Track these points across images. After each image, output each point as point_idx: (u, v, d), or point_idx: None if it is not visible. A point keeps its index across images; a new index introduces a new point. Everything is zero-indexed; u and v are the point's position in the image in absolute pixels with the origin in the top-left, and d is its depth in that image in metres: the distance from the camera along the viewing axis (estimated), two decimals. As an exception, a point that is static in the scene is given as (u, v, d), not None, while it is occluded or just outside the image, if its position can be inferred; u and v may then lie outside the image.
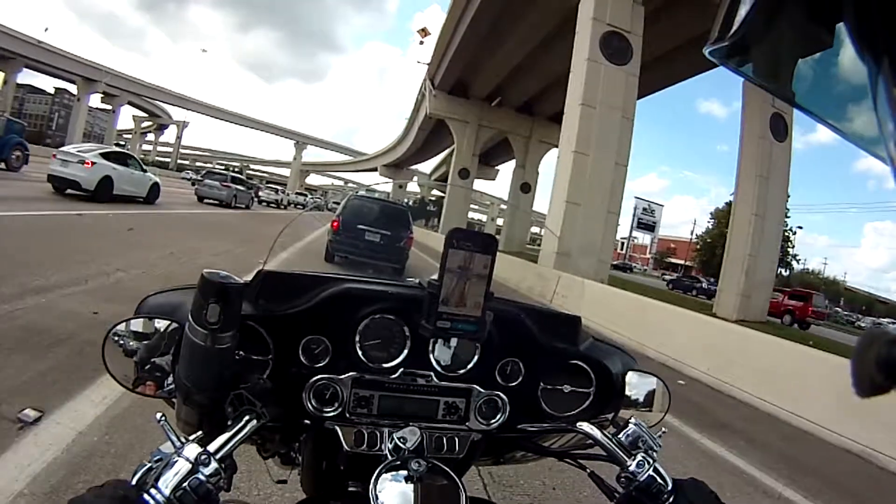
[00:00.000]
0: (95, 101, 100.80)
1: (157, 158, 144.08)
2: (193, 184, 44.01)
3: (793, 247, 73.43)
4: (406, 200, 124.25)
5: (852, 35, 0.42)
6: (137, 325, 1.17)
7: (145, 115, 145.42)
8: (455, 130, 61.74)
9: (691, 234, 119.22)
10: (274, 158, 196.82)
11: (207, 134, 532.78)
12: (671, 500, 1.06)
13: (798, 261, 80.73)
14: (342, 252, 16.72)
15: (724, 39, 0.50)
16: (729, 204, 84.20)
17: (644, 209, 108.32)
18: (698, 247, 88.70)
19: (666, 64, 38.20)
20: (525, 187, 63.68)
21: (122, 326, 1.16)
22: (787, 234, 61.88)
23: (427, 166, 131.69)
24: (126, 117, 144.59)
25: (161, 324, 1.16)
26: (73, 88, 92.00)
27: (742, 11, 0.48)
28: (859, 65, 0.42)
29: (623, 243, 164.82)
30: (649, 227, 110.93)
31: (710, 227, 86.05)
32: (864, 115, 0.46)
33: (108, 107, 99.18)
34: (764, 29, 0.49)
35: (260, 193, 53.96)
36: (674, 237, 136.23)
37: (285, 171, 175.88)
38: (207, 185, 37.02)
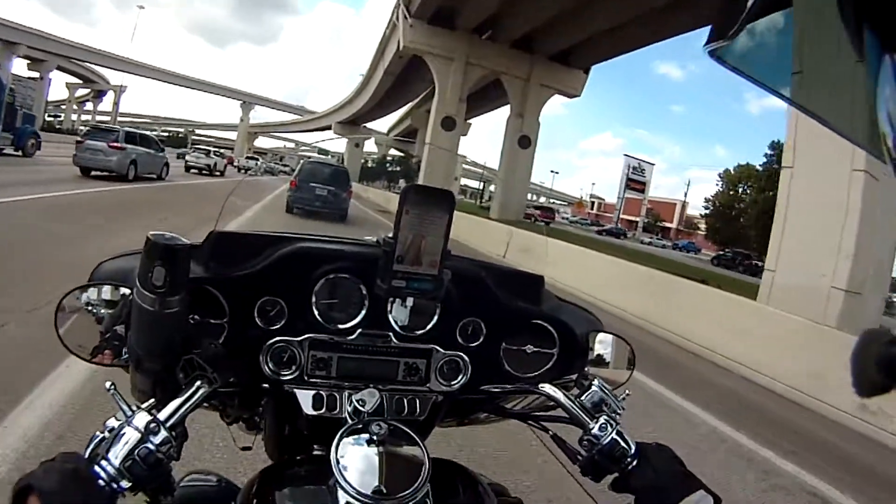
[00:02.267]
0: (21, 68, 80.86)
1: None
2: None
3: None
4: (364, 160, 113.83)
5: (852, 35, 0.41)
6: (92, 293, 1.09)
7: (80, 81, 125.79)
8: (436, 69, 48.97)
9: (685, 196, 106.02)
10: (220, 122, 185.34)
11: (149, 99, 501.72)
12: (634, 463, 1.04)
13: None
14: (299, 204, 21.66)
15: (723, 38, 0.49)
16: (745, 165, 69.24)
17: (634, 168, 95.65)
18: (707, 212, 78.21)
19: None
20: (524, 141, 51.20)
21: (75, 294, 1.08)
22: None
23: (384, 123, 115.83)
24: (60, 86, 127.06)
25: (116, 291, 1.09)
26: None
27: (741, 11, 0.47)
28: (859, 64, 0.41)
29: (594, 202, 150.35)
30: (639, 187, 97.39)
31: (720, 189, 75.81)
32: (862, 114, 0.45)
33: (36, 74, 79.36)
34: (763, 29, 0.48)
35: (186, 158, 45.32)
36: (662, 198, 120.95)
37: (233, 135, 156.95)
38: (90, 150, 23.38)
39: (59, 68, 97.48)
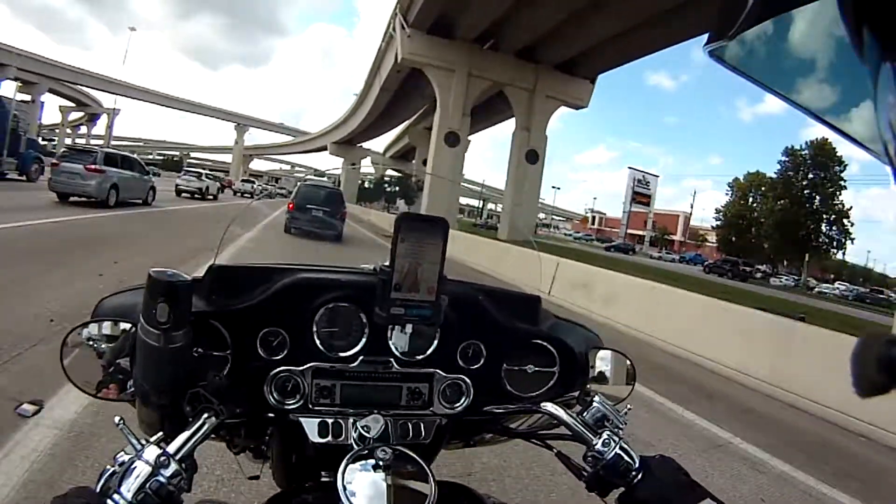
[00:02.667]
0: (11, 91, 76.34)
1: None
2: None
3: None
4: (362, 181, 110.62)
5: (852, 35, 0.41)
6: (95, 328, 1.10)
7: (73, 104, 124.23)
8: (437, 82, 46.28)
9: (691, 207, 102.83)
10: (215, 145, 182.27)
11: (143, 123, 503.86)
12: (639, 476, 1.03)
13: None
14: (296, 225, 21.62)
15: (723, 39, 0.49)
16: (755, 173, 66.31)
17: (639, 181, 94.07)
18: (718, 224, 74.65)
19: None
20: (532, 156, 48.84)
21: (79, 331, 1.09)
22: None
23: (381, 143, 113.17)
24: (53, 109, 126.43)
25: (118, 326, 1.09)
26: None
27: (741, 11, 0.47)
28: (859, 65, 0.41)
29: (595, 217, 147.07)
30: (645, 200, 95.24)
31: (730, 199, 72.85)
32: (863, 115, 0.45)
33: (27, 97, 75.97)
34: (763, 29, 0.47)
35: (176, 181, 41.90)
36: (664, 210, 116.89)
37: (228, 158, 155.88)
38: (66, 174, 20.78)
39: (52, 91, 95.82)
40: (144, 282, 1.01)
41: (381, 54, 56.71)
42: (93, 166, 20.71)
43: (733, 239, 69.31)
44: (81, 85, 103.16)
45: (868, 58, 0.40)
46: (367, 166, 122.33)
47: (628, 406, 1.23)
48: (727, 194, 71.93)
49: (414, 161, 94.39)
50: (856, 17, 0.39)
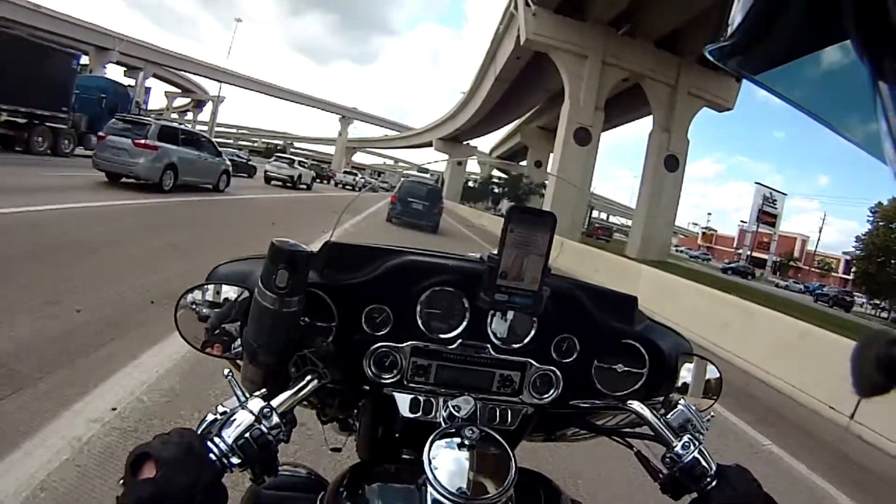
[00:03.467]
0: (118, 75, 77.01)
1: None
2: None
3: None
4: (466, 180, 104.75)
5: (852, 35, 0.41)
6: (209, 291, 1.16)
7: (178, 90, 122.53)
8: (567, 69, 39.45)
9: (819, 231, 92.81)
10: (319, 136, 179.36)
11: (248, 111, 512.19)
12: (714, 483, 1.02)
13: None
14: (397, 215, 23.41)
15: (724, 39, 0.49)
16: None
17: (765, 197, 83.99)
18: (859, 253, 62.29)
19: None
20: (671, 162, 41.95)
21: (194, 293, 1.16)
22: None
23: (487, 143, 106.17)
24: (159, 95, 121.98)
25: (230, 291, 1.16)
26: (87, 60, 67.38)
27: (741, 11, 0.47)
28: (860, 65, 0.40)
29: (705, 233, 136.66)
30: (771, 220, 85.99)
31: (873, 227, 60.83)
32: (864, 117, 0.44)
33: (132, 81, 71.83)
34: (763, 29, 0.47)
35: (266, 167, 37.47)
36: (784, 232, 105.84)
37: (331, 150, 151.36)
38: (112, 149, 16.90)
39: (156, 76, 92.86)
40: (252, 254, 1.22)
41: (498, 39, 50.23)
42: (143, 141, 16.59)
43: (871, 272, 58.95)
44: (185, 71, 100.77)
45: (868, 56, 0.40)
46: (472, 165, 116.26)
47: (711, 414, 1.21)
48: (868, 221, 61.49)
49: (525, 162, 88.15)
50: (855, 17, 0.39)
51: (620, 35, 39.13)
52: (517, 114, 74.05)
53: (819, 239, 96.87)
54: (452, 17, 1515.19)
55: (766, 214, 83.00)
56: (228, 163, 22.81)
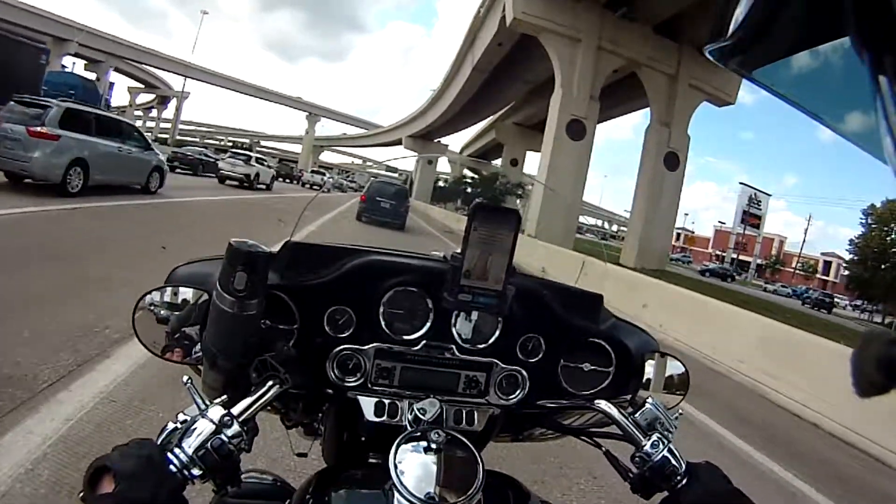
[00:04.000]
0: (80, 69, 73.30)
1: (159, 136, 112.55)
2: None
3: None
4: (437, 180, 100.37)
5: (852, 34, 0.40)
6: (167, 294, 1.14)
7: (141, 86, 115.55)
8: (558, 54, 35.00)
9: (805, 233, 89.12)
10: (286, 134, 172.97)
11: (214, 109, 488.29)
12: (684, 481, 1.03)
13: None
14: (367, 214, 24.31)
15: (723, 38, 0.48)
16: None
17: (750, 198, 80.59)
18: (853, 259, 60.34)
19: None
20: (671, 160, 37.70)
21: (152, 295, 1.13)
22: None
23: (459, 140, 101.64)
24: (121, 90, 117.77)
25: (190, 293, 1.13)
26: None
27: (740, 10, 0.47)
28: (859, 64, 0.40)
29: (681, 235, 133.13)
30: (755, 222, 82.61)
31: (866, 230, 58.87)
32: (864, 115, 0.44)
33: (94, 75, 70.15)
34: (762, 28, 0.47)
35: (220, 165, 33.31)
36: (755, 233, 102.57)
37: (298, 148, 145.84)
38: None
39: (118, 70, 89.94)
40: (214, 255, 1.14)
41: (478, 23, 45.03)
42: (39, 129, 12.63)
43: (866, 277, 55.18)
44: (147, 65, 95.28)
45: (868, 54, 0.39)
46: (443, 165, 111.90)
47: (680, 411, 1.22)
48: (861, 223, 58.25)
49: (499, 161, 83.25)
50: (855, 13, 0.39)
51: (617, 18, 34.70)
52: (493, 109, 69.54)
53: (804, 241, 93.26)
54: (424, 14, 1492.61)
55: (751, 216, 79.99)
56: (162, 157, 18.61)
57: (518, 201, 67.02)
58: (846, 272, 64.35)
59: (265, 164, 35.92)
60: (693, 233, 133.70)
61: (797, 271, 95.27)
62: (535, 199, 36.06)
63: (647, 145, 37.55)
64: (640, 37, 35.30)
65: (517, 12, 32.82)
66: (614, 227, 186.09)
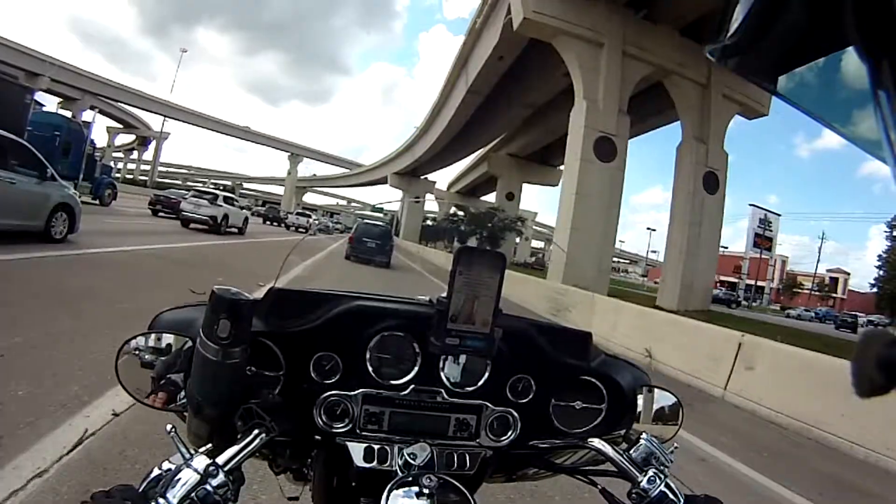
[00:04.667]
0: (52, 106, 66.56)
1: (138, 178, 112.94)
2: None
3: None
4: (424, 218, 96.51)
5: (852, 34, 0.40)
6: (151, 339, 1.11)
7: (120, 126, 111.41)
8: (578, 61, 29.35)
9: (818, 253, 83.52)
10: (268, 175, 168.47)
11: (194, 152, 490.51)
12: None
13: None
14: (355, 254, 25.34)
15: (723, 39, 0.48)
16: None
17: (761, 220, 74.39)
18: (885, 276, 53.27)
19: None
20: (710, 181, 31.68)
21: (136, 341, 1.10)
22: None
23: (446, 177, 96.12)
24: (100, 130, 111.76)
25: (174, 339, 1.11)
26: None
27: (741, 11, 0.46)
28: (860, 65, 0.40)
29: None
30: (766, 244, 76.34)
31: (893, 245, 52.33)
32: (865, 116, 0.44)
33: (68, 113, 61.04)
34: (763, 29, 0.46)
35: (182, 205, 27.67)
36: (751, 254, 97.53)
37: (281, 190, 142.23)
38: None
39: (94, 108, 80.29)
40: (201, 299, 1.09)
41: (474, 37, 39.61)
42: None
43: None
44: (125, 103, 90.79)
45: (868, 55, 0.39)
46: (431, 204, 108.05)
47: (675, 445, 1.21)
48: (886, 237, 53.04)
49: (494, 195, 76.50)
50: (855, 14, 0.39)
51: (639, 20, 29.35)
52: (484, 140, 63.59)
53: (819, 260, 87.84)
54: (404, 56, 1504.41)
55: (762, 238, 74.42)
56: (72, 192, 14.18)
57: (518, 238, 63.74)
58: (875, 289, 58.74)
59: (236, 203, 30.66)
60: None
61: (812, 292, 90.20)
62: (559, 237, 29.98)
63: (681, 165, 31.79)
64: (666, 41, 29.99)
65: (528, 11, 27.25)
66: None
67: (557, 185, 74.47)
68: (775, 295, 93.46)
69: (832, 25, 0.41)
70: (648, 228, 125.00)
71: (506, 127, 55.18)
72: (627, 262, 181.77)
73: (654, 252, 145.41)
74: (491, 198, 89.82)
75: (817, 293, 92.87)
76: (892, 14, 0.36)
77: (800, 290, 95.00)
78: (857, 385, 0.46)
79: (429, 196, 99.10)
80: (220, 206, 27.23)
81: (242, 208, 31.82)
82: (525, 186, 71.74)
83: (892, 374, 0.43)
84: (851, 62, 0.41)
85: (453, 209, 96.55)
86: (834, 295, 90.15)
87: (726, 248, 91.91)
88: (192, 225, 25.90)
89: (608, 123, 28.12)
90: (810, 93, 0.50)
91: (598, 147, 27.74)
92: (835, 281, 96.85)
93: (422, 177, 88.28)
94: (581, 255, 27.08)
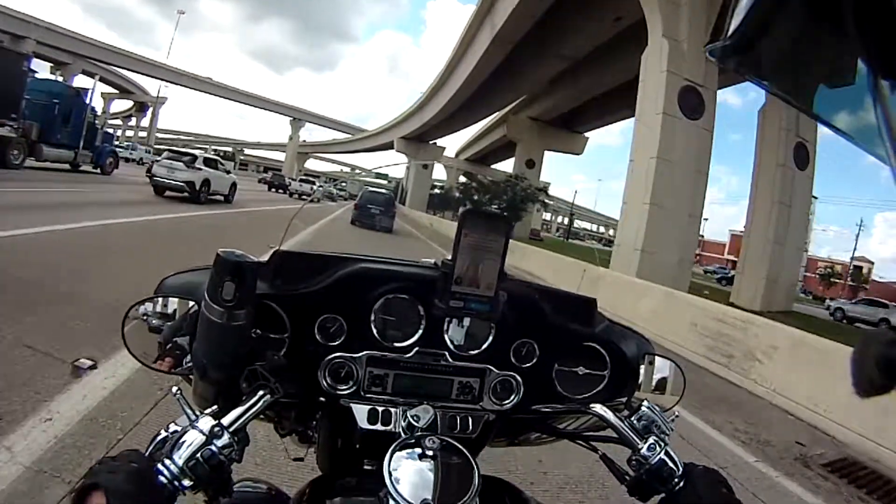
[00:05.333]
0: (44, 72, 62.19)
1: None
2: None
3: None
4: (433, 188, 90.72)
5: (852, 34, 0.39)
6: (157, 304, 1.12)
7: (116, 91, 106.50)
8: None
9: (856, 238, 77.54)
10: (269, 141, 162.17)
11: (196, 117, 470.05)
12: (681, 484, 1.01)
13: None
14: (359, 219, 26.50)
15: (724, 38, 0.47)
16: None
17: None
18: None
19: None
20: (801, 154, 25.61)
21: (143, 306, 1.11)
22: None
23: (455, 142, 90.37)
24: (97, 97, 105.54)
25: (179, 303, 1.12)
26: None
27: (741, 11, 0.46)
28: (859, 64, 0.40)
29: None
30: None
31: None
32: (864, 115, 0.43)
33: (59, 79, 54.68)
34: (763, 28, 0.46)
35: (154, 169, 23.31)
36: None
37: (283, 156, 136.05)
38: None
39: (89, 74, 74.57)
40: (203, 265, 1.09)
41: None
42: None
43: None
44: (117, 66, 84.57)
45: (868, 55, 0.39)
46: (438, 172, 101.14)
47: (676, 413, 1.21)
48: None
49: (513, 162, 68.74)
50: (855, 14, 0.38)
51: None
52: (505, 101, 56.21)
53: (855, 248, 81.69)
54: (410, 24, 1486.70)
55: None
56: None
57: (539, 210, 59.40)
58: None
59: (220, 166, 25.38)
60: (703, 237, 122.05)
61: (848, 283, 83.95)
62: (631, 214, 22.54)
63: (765, 131, 25.30)
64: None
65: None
66: (610, 232, 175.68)
67: (581, 153, 68.69)
68: (806, 284, 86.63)
69: (832, 25, 0.40)
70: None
71: (531, 85, 48.45)
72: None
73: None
74: (502, 166, 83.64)
75: (852, 284, 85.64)
76: (892, 13, 0.36)
77: (837, 280, 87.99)
78: (858, 385, 0.45)
79: (437, 164, 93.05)
80: (199, 169, 22.52)
81: (228, 172, 26.84)
82: (546, 155, 64.62)
83: (892, 373, 0.43)
84: (851, 61, 0.41)
85: (464, 178, 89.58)
86: (854, 284, 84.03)
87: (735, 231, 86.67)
88: (167, 193, 21.51)
89: (694, 70, 21.30)
90: (810, 92, 0.49)
91: (682, 99, 21.06)
92: (858, 269, 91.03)
93: (430, 142, 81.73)
94: (661, 239, 20.73)
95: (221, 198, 24.83)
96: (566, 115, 57.53)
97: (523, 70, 42.33)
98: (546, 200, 59.31)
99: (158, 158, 23.84)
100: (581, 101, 49.85)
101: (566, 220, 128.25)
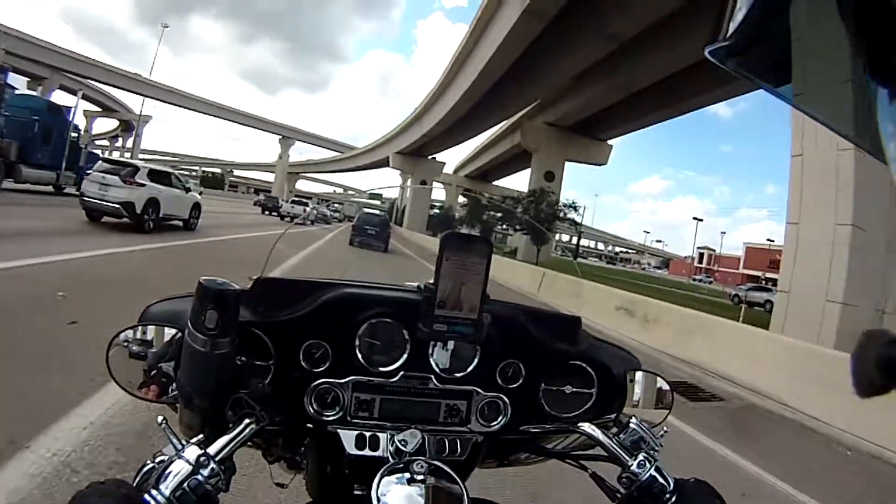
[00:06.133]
0: (21, 86, 55.04)
1: None
2: None
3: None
4: (432, 207, 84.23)
5: (851, 35, 0.39)
6: (142, 332, 1.10)
7: (98, 109, 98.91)
8: None
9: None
10: (258, 162, 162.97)
11: (184, 139, 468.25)
12: (673, 499, 1.00)
13: None
14: (357, 240, 26.96)
15: (724, 39, 0.47)
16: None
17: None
18: None
19: None
20: None
21: (126, 333, 1.09)
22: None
23: (455, 155, 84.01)
24: (79, 116, 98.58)
25: (164, 331, 1.09)
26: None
27: (741, 11, 0.46)
28: (858, 65, 0.40)
29: (705, 255, 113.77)
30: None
31: None
32: (863, 116, 0.43)
33: (33, 94, 48.90)
34: (763, 29, 0.46)
35: (83, 187, 16.64)
36: (759, 245, 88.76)
37: (272, 177, 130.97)
38: None
39: (67, 89, 70.52)
40: (186, 292, 1.06)
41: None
42: None
43: None
44: (96, 80, 78.71)
45: (867, 56, 0.39)
46: (437, 193, 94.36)
47: (665, 428, 1.23)
48: None
49: (529, 173, 58.67)
50: (856, 18, 0.38)
51: None
52: (525, 98, 46.64)
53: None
54: (401, 43, 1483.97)
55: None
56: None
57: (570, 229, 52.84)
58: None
59: (177, 182, 19.50)
60: (714, 251, 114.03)
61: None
62: (812, 238, 13.66)
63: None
64: None
65: None
66: (609, 248, 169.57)
67: (606, 162, 58.81)
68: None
69: (831, 21, 0.40)
70: (695, 218, 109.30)
71: (560, 76, 39.41)
72: (633, 251, 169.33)
73: (660, 242, 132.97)
74: (507, 182, 75.76)
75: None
76: (891, 13, 0.35)
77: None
78: (857, 385, 0.45)
79: (436, 184, 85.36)
80: (142, 184, 16.42)
81: (188, 190, 20.62)
82: (567, 166, 56.11)
83: (891, 373, 0.43)
84: (851, 62, 0.40)
85: (462, 198, 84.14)
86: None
87: (773, 241, 79.18)
88: (106, 218, 16.00)
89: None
90: (809, 92, 0.49)
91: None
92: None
93: (429, 156, 74.36)
94: (866, 282, 12.63)
95: (179, 223, 19.32)
96: (587, 120, 49.61)
97: (552, 58, 34.47)
98: (575, 218, 51.04)
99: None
100: (611, 101, 42.12)
101: (562, 238, 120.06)
